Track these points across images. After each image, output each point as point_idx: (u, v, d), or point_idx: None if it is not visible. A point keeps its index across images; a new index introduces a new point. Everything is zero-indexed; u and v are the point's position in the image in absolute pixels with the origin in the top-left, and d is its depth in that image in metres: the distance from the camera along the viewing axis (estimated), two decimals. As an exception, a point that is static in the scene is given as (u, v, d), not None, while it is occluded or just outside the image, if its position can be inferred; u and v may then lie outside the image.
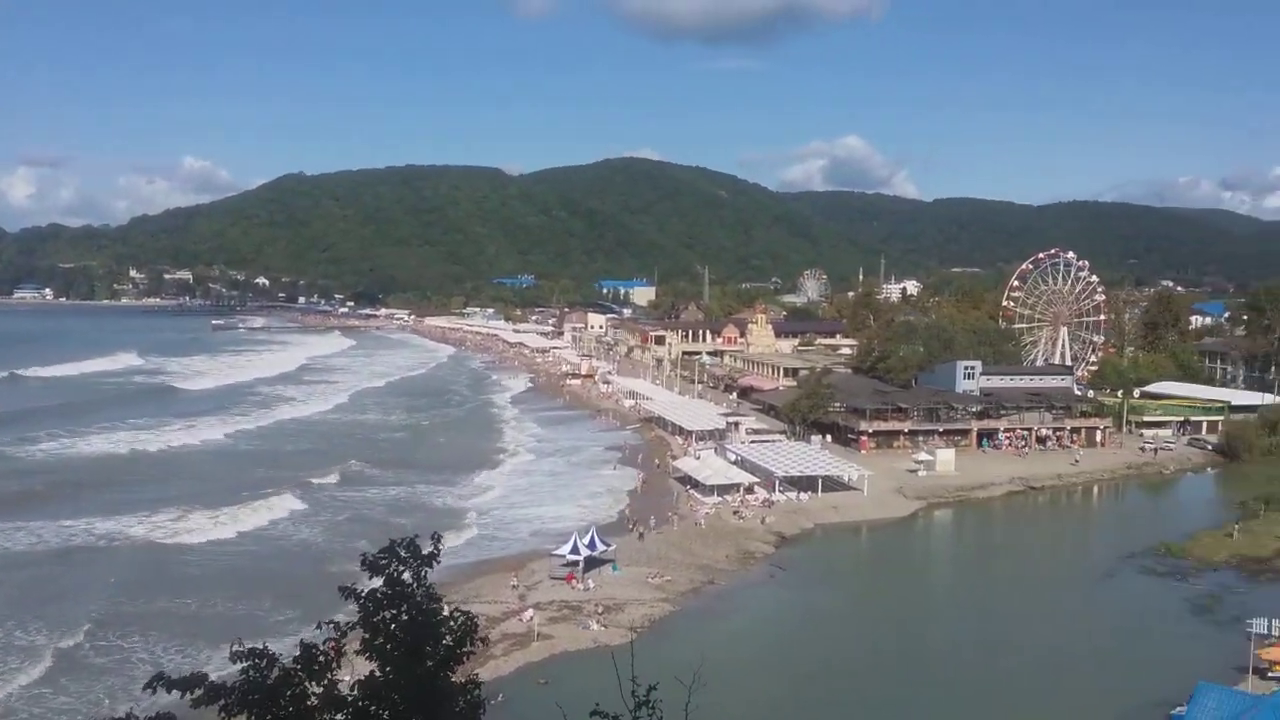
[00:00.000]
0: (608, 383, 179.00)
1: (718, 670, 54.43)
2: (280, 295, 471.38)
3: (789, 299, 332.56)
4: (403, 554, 10.80)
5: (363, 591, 10.67)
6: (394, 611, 10.54)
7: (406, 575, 10.75)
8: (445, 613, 10.91)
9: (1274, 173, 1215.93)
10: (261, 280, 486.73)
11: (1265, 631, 57.66)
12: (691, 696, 11.15)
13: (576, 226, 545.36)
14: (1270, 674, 52.93)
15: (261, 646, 9.99)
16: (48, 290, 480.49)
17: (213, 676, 9.78)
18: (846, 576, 79.09)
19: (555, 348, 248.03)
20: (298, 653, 10.17)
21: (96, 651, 54.82)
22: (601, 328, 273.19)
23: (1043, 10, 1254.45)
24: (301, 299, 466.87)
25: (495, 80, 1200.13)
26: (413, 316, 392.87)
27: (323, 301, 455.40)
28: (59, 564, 69.95)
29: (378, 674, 10.29)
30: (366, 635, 10.51)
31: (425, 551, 11.00)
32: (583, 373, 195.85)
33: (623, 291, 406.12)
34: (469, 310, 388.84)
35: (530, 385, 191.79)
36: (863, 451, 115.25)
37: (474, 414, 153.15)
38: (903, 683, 54.66)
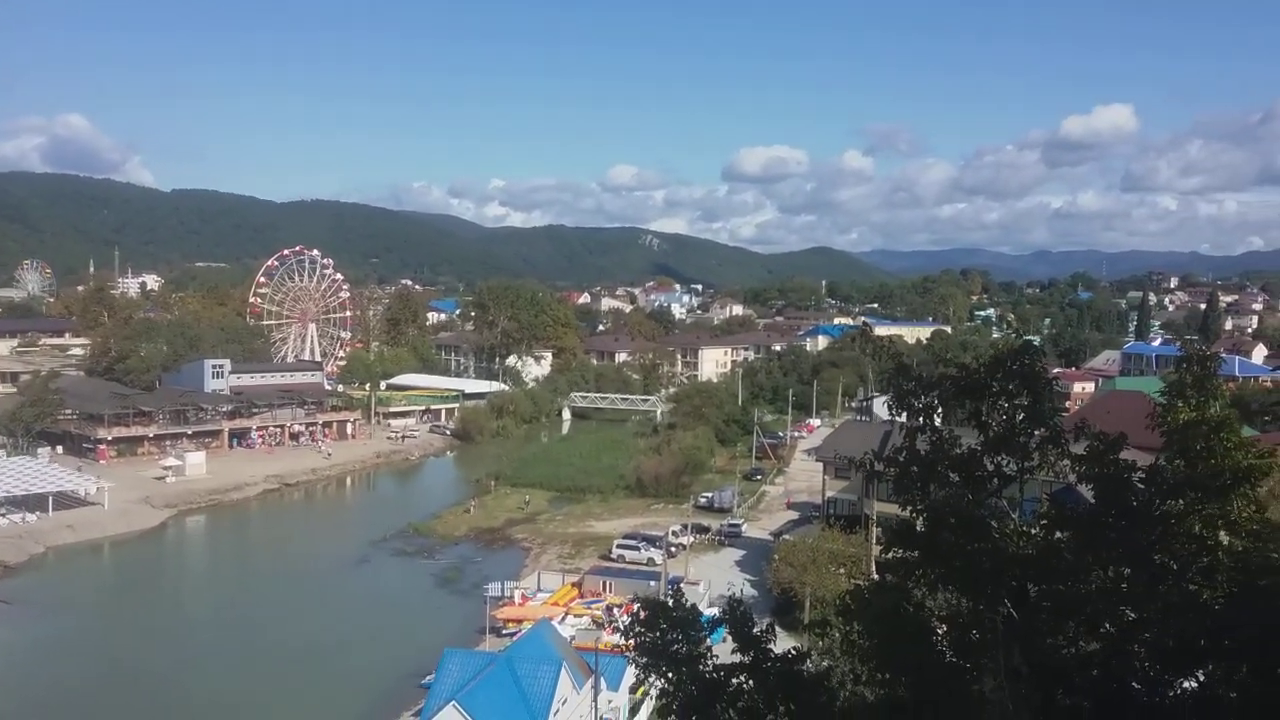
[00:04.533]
0: None
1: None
2: None
3: (4, 293, 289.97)
4: None
5: None
6: None
7: None
8: None
9: (491, 184, 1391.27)
10: None
11: (499, 594, 64.53)
12: None
13: None
14: (504, 631, 58.92)
15: None
16: None
17: None
18: (88, 601, 70.49)
19: None
20: None
21: None
22: None
23: (271, 16, 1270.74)
24: None
25: None
26: None
27: None
28: None
29: None
30: None
31: None
32: None
33: None
34: None
35: None
36: (102, 461, 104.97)
37: None
38: (151, 708, 50.34)
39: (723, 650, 11.59)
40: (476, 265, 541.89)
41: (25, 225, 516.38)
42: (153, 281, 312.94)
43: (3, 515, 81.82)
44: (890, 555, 11.82)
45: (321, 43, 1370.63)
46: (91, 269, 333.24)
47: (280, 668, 56.09)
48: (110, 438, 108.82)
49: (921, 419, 11.84)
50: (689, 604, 12.21)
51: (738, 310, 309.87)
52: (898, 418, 12.14)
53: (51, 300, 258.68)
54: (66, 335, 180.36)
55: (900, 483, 11.85)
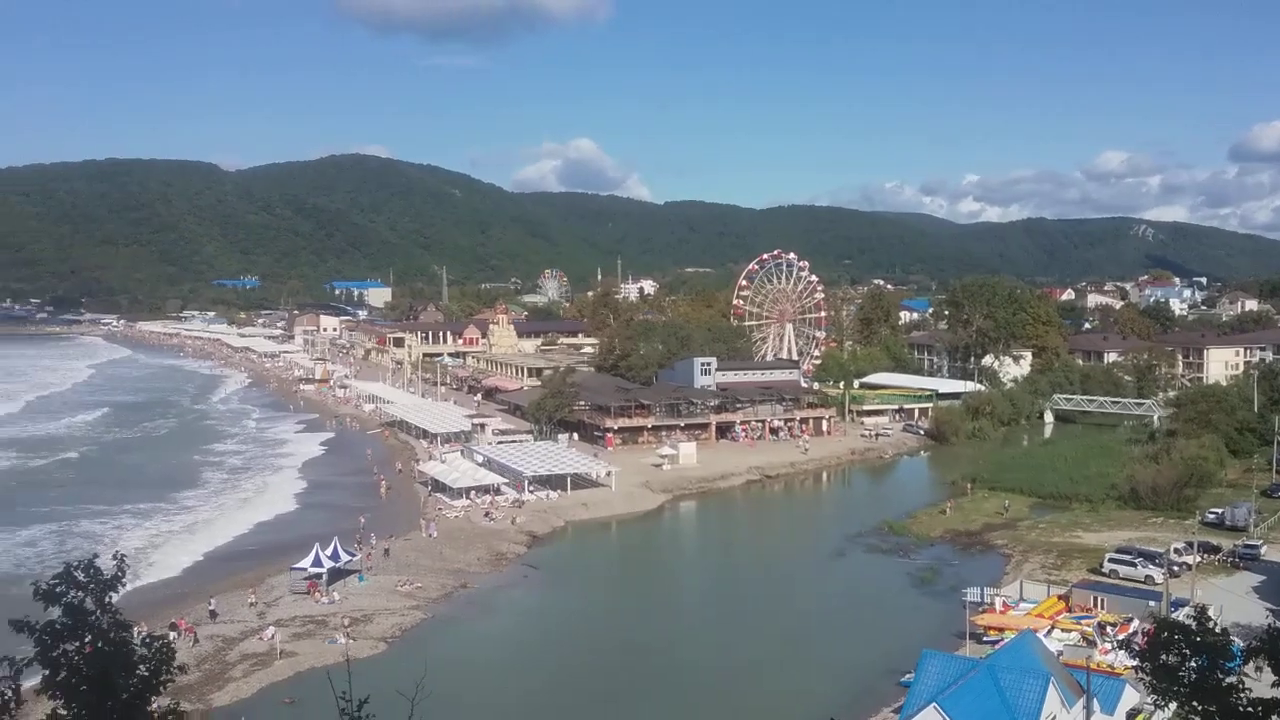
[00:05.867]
0: (345, 387, 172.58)
1: (473, 673, 52.90)
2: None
3: (530, 299, 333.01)
4: (81, 578, 9.28)
5: (38, 624, 9.23)
6: (77, 643, 9.17)
7: (89, 602, 9.23)
8: (137, 640, 9.51)
9: (965, 180, 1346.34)
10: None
11: (978, 600, 62.31)
12: (415, 709, 11.27)
13: (303, 225, 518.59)
14: (985, 638, 56.79)
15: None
16: None
17: None
18: (598, 572, 79.24)
19: (286, 352, 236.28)
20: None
21: None
22: (336, 330, 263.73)
23: (758, 30, 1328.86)
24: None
25: (202, 69, 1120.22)
26: (123, 322, 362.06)
27: (17, 307, 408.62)
28: None
29: (64, 712, 9.17)
30: (47, 672, 9.22)
31: (108, 574, 9.38)
32: (318, 378, 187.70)
33: (357, 293, 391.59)
34: (187, 314, 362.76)
35: (256, 390, 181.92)
36: (609, 448, 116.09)
37: (195, 424, 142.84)
38: (652, 673, 54.89)
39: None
40: (949, 263, 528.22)
41: (546, 239, 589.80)
42: (649, 286, 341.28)
43: (532, 492, 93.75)
44: None
45: (787, 57, 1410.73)
46: (599, 276, 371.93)
47: (765, 645, 58.54)
48: (616, 427, 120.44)
49: None
50: (1219, 629, 11.13)
51: (1251, 305, 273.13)
52: None
53: (567, 304, 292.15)
54: (579, 335, 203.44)
55: None
